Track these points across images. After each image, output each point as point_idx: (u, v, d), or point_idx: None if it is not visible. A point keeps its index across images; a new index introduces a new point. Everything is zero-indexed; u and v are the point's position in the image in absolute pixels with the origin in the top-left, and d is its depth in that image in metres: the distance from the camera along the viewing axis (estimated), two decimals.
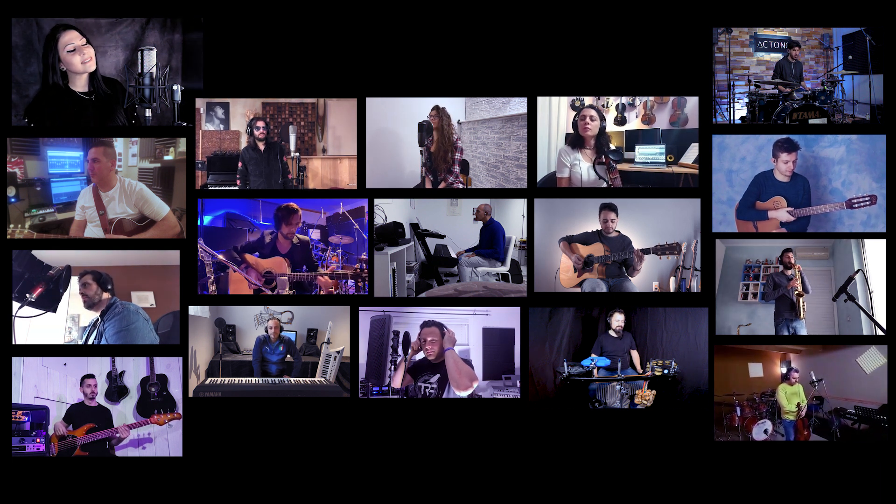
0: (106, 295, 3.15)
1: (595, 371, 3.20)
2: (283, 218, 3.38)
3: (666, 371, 3.17)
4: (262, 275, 3.38)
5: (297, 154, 3.49)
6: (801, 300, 3.23)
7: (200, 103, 3.33)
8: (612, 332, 3.26)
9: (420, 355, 3.20)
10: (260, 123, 3.47)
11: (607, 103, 3.41)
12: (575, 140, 3.33)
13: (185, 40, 3.17)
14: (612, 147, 3.38)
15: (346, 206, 3.36)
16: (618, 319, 3.23)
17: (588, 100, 3.32)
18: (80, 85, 3.19)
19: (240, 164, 3.43)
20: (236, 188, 3.41)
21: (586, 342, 3.25)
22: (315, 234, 3.50)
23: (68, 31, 3.12)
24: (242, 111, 3.56)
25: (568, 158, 3.31)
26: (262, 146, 3.46)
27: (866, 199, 3.14)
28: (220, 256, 3.30)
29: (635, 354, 3.27)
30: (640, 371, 3.23)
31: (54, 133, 3.15)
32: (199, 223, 3.23)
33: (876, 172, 3.17)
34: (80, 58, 3.14)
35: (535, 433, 3.17)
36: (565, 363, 3.19)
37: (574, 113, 3.36)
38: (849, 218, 3.18)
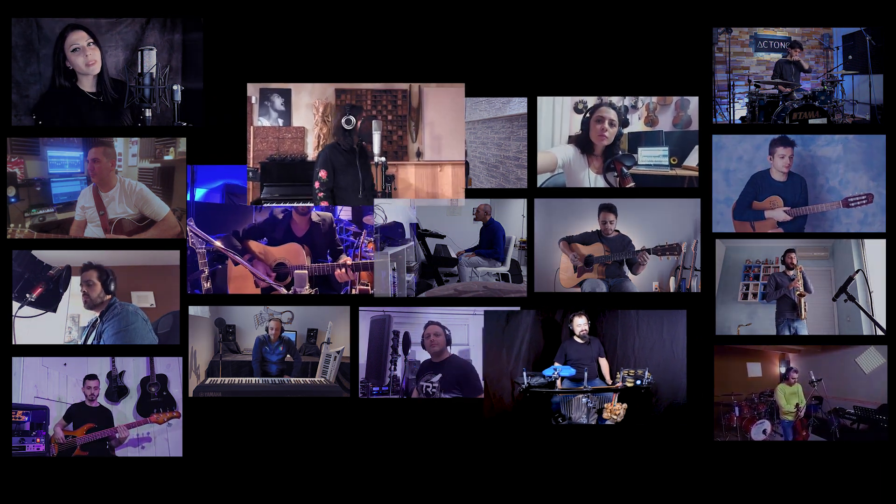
0: (108, 296, 3.15)
1: (558, 382, 2.98)
2: None
3: (638, 382, 2.95)
4: (273, 268, 2.78)
5: (384, 159, 2.88)
6: (802, 300, 3.23)
7: (253, 90, 2.59)
8: (576, 338, 3.06)
9: (425, 356, 3.21)
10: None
11: (610, 103, 3.37)
12: (583, 144, 3.26)
13: (185, 40, 3.17)
14: (623, 152, 3.27)
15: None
16: (580, 324, 3.03)
17: (591, 100, 3.25)
18: (88, 85, 3.19)
19: (324, 173, 2.65)
20: (316, 206, 2.60)
21: (548, 349, 3.04)
22: (345, 214, 2.68)
23: (76, 31, 3.13)
24: (309, 101, 2.79)
25: (564, 154, 3.25)
26: (356, 145, 2.68)
27: (863, 197, 3.14)
28: (217, 243, 2.67)
29: (604, 363, 3.07)
30: (610, 382, 3.02)
31: (54, 133, 3.15)
32: (188, 198, 2.60)
33: (873, 171, 3.17)
34: (83, 59, 3.13)
35: (492, 450, 3.06)
36: (524, 373, 2.99)
37: (580, 115, 3.27)
38: (846, 217, 3.19)
